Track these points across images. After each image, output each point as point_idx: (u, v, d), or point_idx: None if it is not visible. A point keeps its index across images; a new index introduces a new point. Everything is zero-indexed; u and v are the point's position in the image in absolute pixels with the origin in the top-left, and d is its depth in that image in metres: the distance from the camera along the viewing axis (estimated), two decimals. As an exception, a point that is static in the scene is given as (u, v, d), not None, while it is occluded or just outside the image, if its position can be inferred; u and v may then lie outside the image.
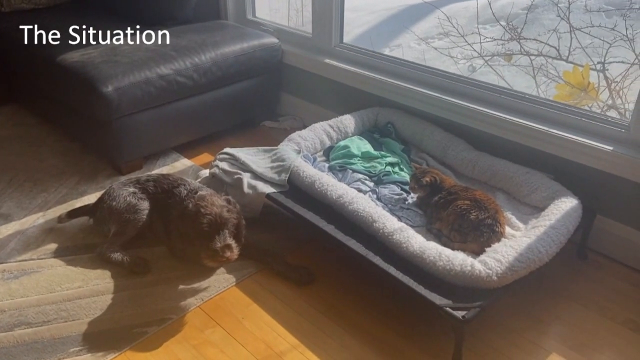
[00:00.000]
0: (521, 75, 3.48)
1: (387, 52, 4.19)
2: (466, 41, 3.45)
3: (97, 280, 2.04)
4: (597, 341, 1.82)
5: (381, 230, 1.91)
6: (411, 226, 2.05)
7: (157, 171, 2.75)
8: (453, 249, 1.90)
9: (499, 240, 1.91)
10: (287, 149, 2.39)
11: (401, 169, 2.40)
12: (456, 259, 1.76)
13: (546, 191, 2.11)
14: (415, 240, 1.85)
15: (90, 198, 2.50)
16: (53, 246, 2.22)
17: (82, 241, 2.25)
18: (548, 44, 3.24)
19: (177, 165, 2.81)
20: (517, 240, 1.83)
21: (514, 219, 2.08)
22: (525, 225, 2.03)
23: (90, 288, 2.00)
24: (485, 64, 3.48)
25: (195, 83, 2.75)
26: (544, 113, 2.29)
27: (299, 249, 2.22)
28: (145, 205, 2.16)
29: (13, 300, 1.94)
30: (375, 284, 2.02)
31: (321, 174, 2.21)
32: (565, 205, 1.99)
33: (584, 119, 2.20)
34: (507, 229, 2.01)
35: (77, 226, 2.33)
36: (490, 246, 1.86)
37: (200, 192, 1.97)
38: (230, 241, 1.87)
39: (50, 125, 3.15)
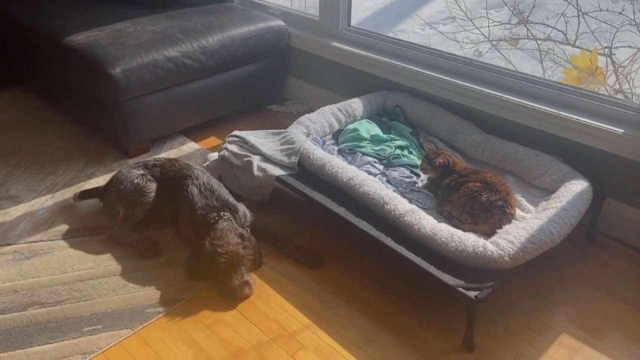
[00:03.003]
0: (527, 59, 3.46)
1: (392, 34, 4.17)
2: (474, 24, 3.43)
3: (109, 262, 2.04)
4: (606, 322, 1.84)
5: (392, 212, 1.92)
6: (422, 208, 2.06)
7: (164, 154, 2.74)
8: (464, 230, 1.91)
9: (509, 222, 1.92)
10: (296, 131, 2.39)
11: (410, 152, 2.40)
12: (468, 240, 1.76)
13: (556, 174, 2.11)
14: (427, 222, 1.86)
15: (98, 181, 2.49)
16: (63, 228, 2.22)
17: (92, 223, 2.25)
18: (555, 28, 3.23)
19: (184, 149, 2.81)
20: (529, 222, 1.84)
21: (524, 201, 2.08)
22: (535, 207, 2.04)
23: (102, 269, 2.01)
24: (492, 48, 3.47)
25: (203, 66, 2.74)
26: (554, 96, 2.29)
27: (308, 231, 2.22)
28: (152, 187, 2.16)
29: (25, 280, 1.94)
30: (386, 266, 2.02)
31: (331, 157, 2.20)
32: (576, 187, 1.99)
33: (594, 102, 2.20)
34: (518, 211, 2.02)
35: (86, 208, 2.33)
36: (501, 228, 1.87)
37: (216, 226, 1.95)
38: (248, 277, 1.88)
39: (56, 109, 3.14)
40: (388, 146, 2.39)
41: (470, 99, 2.47)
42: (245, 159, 2.29)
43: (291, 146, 2.29)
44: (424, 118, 2.57)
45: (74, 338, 1.72)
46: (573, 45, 3.19)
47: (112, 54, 2.50)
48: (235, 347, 1.72)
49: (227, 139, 2.41)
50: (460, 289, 1.66)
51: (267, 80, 3.14)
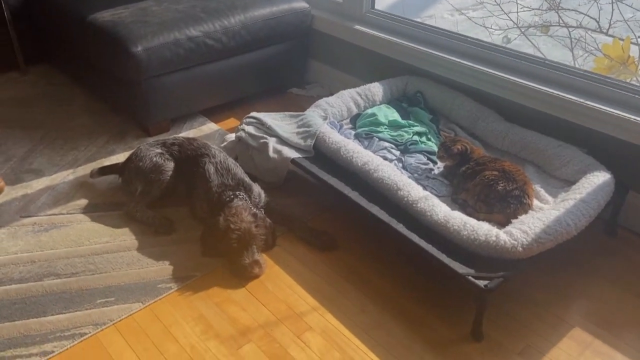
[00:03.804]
0: (558, 47, 3.37)
1: (420, 19, 4.10)
2: (502, 10, 3.35)
3: (124, 237, 2.08)
4: (621, 318, 1.79)
5: (405, 199, 1.90)
6: (436, 196, 2.03)
7: (184, 134, 2.76)
8: (478, 219, 1.88)
9: (526, 212, 1.88)
10: (313, 114, 2.37)
11: (429, 139, 2.37)
12: (481, 229, 1.73)
13: (578, 165, 2.06)
14: (440, 209, 1.83)
15: (119, 157, 2.53)
16: (82, 202, 2.26)
17: (111, 199, 2.29)
18: (588, 16, 3.13)
19: (204, 129, 2.82)
20: (545, 212, 1.79)
21: (542, 192, 2.03)
22: (555, 198, 1.99)
23: (118, 244, 2.04)
24: (521, 35, 3.38)
25: (224, 46, 2.74)
26: (580, 84, 2.22)
27: (322, 214, 2.22)
28: (170, 166, 2.18)
29: (43, 252, 1.99)
30: (398, 252, 2.01)
31: (347, 141, 2.19)
32: (598, 179, 1.94)
33: (622, 92, 2.12)
34: (536, 202, 1.98)
35: (105, 184, 2.37)
36: (516, 218, 1.83)
37: (231, 204, 1.97)
38: (258, 257, 1.90)
39: (81, 85, 3.19)
40: (406, 132, 2.36)
41: (493, 86, 2.42)
42: (261, 141, 2.29)
43: (307, 129, 2.28)
44: (445, 104, 2.53)
45: (87, 309, 1.76)
46: (606, 34, 3.09)
47: (134, 32, 2.52)
48: (242, 326, 1.73)
49: (244, 120, 2.41)
50: (470, 277, 1.63)
51: (289, 63, 3.12)
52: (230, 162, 2.14)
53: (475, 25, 3.59)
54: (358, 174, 2.07)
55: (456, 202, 2.01)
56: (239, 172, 2.12)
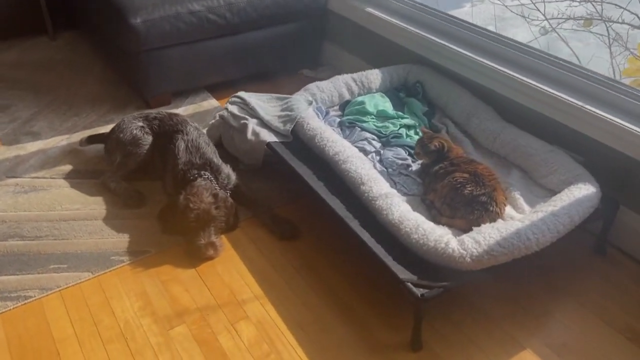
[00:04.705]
0: (596, 44, 3.11)
1: (467, 6, 3.89)
2: (533, 3, 3.12)
3: (95, 206, 2.12)
4: (582, 344, 1.64)
5: (366, 194, 1.81)
6: (405, 194, 1.94)
7: (183, 109, 2.78)
8: (440, 223, 1.77)
9: (493, 220, 1.75)
10: (299, 98, 2.31)
11: (417, 133, 2.25)
12: (432, 234, 1.63)
13: (565, 174, 1.89)
14: (397, 209, 1.74)
15: (113, 127, 2.57)
16: (67, 168, 2.32)
17: (93, 167, 2.33)
18: (628, 10, 2.86)
19: (204, 105, 2.82)
20: (507, 223, 1.66)
21: (521, 201, 1.88)
22: (532, 208, 1.84)
23: (86, 212, 2.08)
24: (557, 27, 3.15)
25: (228, 22, 2.70)
26: (586, 87, 2.03)
27: (294, 202, 2.16)
28: (148, 140, 2.19)
29: (15, 213, 2.06)
30: (354, 249, 1.93)
31: (325, 129, 2.11)
32: (579, 192, 1.77)
33: (626, 98, 1.92)
34: (510, 211, 1.84)
35: (94, 152, 2.42)
36: (479, 225, 1.71)
37: (194, 183, 1.95)
38: (215, 239, 1.88)
39: (99, 54, 3.27)
40: (392, 124, 2.25)
41: (496, 82, 2.25)
42: (242, 121, 2.26)
43: (289, 113, 2.23)
44: (442, 97, 2.39)
45: (38, 273, 1.81)
46: (645, 31, 2.82)
47: (135, 3, 2.54)
48: (181, 307, 1.73)
49: (230, 99, 2.38)
50: (409, 284, 1.54)
51: (300, 43, 3.06)
52: (203, 140, 2.13)
53: (516, 15, 3.37)
54: (329, 164, 2.00)
55: (424, 203, 1.90)
56: (209, 151, 2.10)
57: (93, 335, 1.63)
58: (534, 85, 2.11)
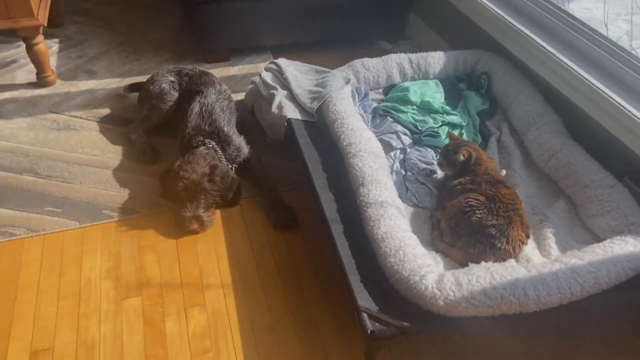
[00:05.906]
0: None
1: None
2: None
3: (111, 154, 2.10)
4: None
5: (362, 198, 1.57)
6: (415, 205, 1.66)
7: (239, 67, 2.67)
8: (437, 248, 1.50)
9: (500, 259, 1.43)
10: (337, 74, 2.07)
11: (461, 134, 1.92)
12: (411, 262, 1.36)
13: (618, 219, 1.49)
14: (387, 223, 1.48)
15: (164, 77, 2.54)
16: (105, 111, 2.34)
17: (129, 115, 2.32)
18: None
19: (260, 67, 2.68)
20: (508, 268, 1.34)
21: (551, 241, 1.52)
22: (562, 255, 1.48)
23: (102, 159, 2.08)
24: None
25: (295, -22, 2.50)
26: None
27: (307, 188, 1.97)
28: (173, 96, 2.12)
29: (40, 148, 2.12)
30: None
31: (349, 113, 1.87)
32: (622, 247, 1.38)
33: None
34: (531, 252, 1.49)
35: (134, 99, 2.40)
36: (479, 262, 1.40)
37: (194, 150, 1.84)
38: (202, 212, 1.76)
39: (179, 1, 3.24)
40: (434, 119, 1.94)
41: (576, 92, 1.79)
42: (271, 91, 2.08)
43: (321, 90, 2.01)
44: (509, 96, 2.01)
45: (32, 212, 1.84)
46: None
47: (200, -50, 2.43)
48: (145, 278, 1.66)
49: (267, 65, 2.21)
50: (363, 314, 1.31)
51: (382, 12, 2.77)
52: (219, 106, 2.00)
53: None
54: (341, 154, 1.78)
55: (431, 219, 1.61)
56: (222, 119, 1.97)
57: (53, 288, 1.62)
58: (622, 106, 1.65)
